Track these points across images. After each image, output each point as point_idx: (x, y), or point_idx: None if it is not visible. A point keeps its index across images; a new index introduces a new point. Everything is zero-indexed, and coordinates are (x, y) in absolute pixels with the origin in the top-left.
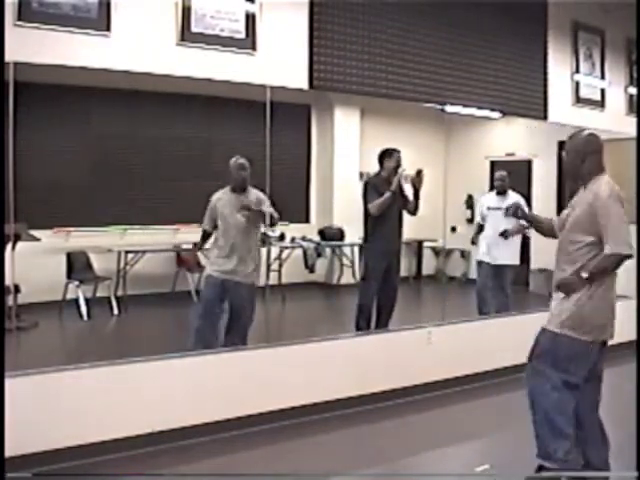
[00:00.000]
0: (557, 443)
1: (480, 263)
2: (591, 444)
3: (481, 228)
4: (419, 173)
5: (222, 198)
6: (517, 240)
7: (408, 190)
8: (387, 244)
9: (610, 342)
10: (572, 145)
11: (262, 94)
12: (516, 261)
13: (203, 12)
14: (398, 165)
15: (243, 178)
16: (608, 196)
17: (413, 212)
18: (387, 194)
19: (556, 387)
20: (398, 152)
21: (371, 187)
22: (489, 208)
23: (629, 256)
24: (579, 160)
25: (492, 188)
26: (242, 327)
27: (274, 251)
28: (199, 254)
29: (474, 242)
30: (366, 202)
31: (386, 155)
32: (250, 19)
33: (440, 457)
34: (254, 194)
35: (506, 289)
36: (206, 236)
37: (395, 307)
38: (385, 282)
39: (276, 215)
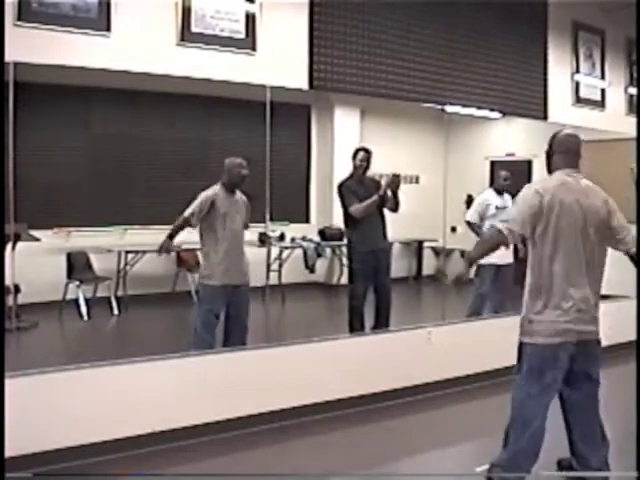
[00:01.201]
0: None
1: (484, 266)
2: (589, 444)
3: (479, 227)
4: (395, 177)
5: (219, 196)
6: None
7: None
8: (371, 244)
9: (610, 342)
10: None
11: (262, 94)
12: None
13: (203, 12)
14: (366, 163)
15: (243, 176)
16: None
17: (395, 209)
18: (374, 197)
19: (530, 395)
20: (365, 150)
21: (346, 190)
22: (497, 208)
23: (500, 232)
24: (549, 159)
25: (491, 187)
26: (244, 327)
27: (274, 251)
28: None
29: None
30: (345, 206)
31: (354, 154)
32: (250, 19)
33: (440, 457)
34: (240, 197)
35: (509, 288)
36: (184, 226)
37: (391, 306)
38: (377, 282)
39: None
